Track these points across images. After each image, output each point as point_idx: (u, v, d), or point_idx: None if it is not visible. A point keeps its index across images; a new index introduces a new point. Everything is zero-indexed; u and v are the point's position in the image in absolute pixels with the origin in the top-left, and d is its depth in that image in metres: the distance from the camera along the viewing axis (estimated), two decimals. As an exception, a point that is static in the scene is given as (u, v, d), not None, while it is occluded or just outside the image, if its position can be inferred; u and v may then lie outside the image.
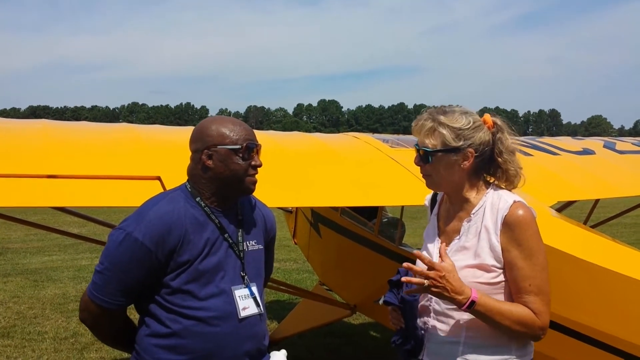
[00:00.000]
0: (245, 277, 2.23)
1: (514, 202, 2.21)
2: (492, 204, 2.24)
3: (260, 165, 2.24)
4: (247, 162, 2.20)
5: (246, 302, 2.21)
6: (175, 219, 2.11)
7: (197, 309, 2.12)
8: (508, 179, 2.30)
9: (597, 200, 6.01)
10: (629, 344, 2.81)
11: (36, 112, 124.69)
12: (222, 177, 2.19)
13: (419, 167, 2.36)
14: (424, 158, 2.26)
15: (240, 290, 2.20)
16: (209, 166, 2.18)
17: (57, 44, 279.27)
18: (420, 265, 2.36)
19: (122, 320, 2.24)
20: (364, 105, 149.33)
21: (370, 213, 5.26)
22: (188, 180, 2.26)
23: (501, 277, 2.20)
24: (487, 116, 2.31)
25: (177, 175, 2.88)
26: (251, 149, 2.21)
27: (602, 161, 5.26)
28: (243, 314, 2.19)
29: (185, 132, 4.24)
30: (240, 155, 2.18)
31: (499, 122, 2.31)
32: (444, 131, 2.21)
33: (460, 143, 2.22)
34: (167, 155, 3.45)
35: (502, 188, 2.30)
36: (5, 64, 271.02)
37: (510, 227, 2.18)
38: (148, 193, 2.78)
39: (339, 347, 6.62)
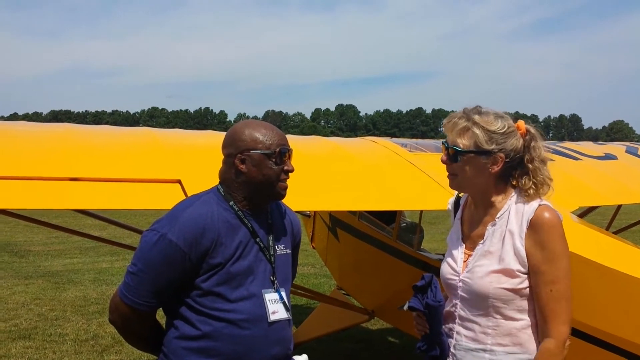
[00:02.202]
0: (275, 281, 2.24)
1: (540, 204, 2.19)
2: (517, 208, 2.21)
3: (292, 171, 2.25)
4: (280, 167, 2.21)
5: (276, 307, 2.21)
6: (209, 222, 2.12)
7: (227, 311, 2.12)
8: (535, 187, 2.24)
9: (619, 206, 5.93)
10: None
11: (58, 117, 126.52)
12: (255, 182, 2.20)
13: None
14: (453, 157, 2.23)
15: (270, 294, 2.21)
16: (242, 170, 2.19)
17: (79, 49, 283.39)
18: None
19: (152, 322, 2.24)
20: (381, 110, 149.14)
21: (388, 217, 5.24)
22: (220, 184, 2.27)
23: (526, 283, 2.17)
24: (521, 122, 2.28)
25: (197, 178, 2.91)
26: (283, 153, 2.22)
27: (624, 166, 5.20)
28: (272, 317, 2.19)
29: (204, 136, 4.32)
30: (273, 160, 2.19)
31: (532, 130, 2.28)
32: (478, 132, 2.19)
33: (492, 147, 2.19)
34: (187, 159, 3.48)
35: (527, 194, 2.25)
36: (28, 69, 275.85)
37: (536, 230, 2.15)
38: (168, 196, 2.82)
39: (357, 352, 6.59)
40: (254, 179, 2.19)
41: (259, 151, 2.18)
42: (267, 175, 2.19)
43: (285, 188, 2.25)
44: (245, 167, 2.19)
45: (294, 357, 2.38)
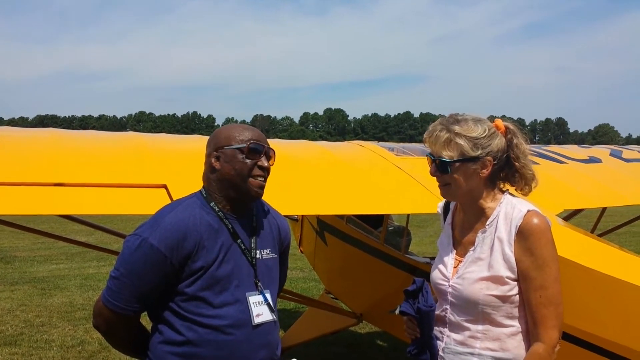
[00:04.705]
0: (259, 283, 2.24)
1: (528, 211, 2.19)
2: (505, 214, 2.22)
3: (266, 167, 2.24)
4: (252, 162, 2.21)
5: (260, 309, 2.22)
6: (191, 226, 2.13)
7: (211, 316, 2.13)
8: (526, 183, 2.28)
9: (604, 209, 5.98)
10: (636, 353, 2.79)
11: (44, 121, 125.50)
12: (227, 178, 2.21)
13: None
14: (442, 169, 2.22)
15: (254, 296, 2.22)
16: (216, 167, 2.22)
17: (65, 54, 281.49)
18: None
19: (136, 326, 2.25)
20: (370, 114, 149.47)
21: (376, 221, 5.25)
22: (203, 186, 2.29)
23: (516, 290, 2.18)
24: (498, 121, 2.29)
25: (183, 183, 2.90)
26: (256, 150, 2.22)
27: (608, 169, 5.25)
28: (257, 320, 2.19)
29: (191, 141, 4.31)
30: (244, 154, 2.20)
31: (511, 126, 2.29)
32: (461, 142, 2.19)
33: (479, 152, 2.19)
34: (173, 164, 3.47)
35: (515, 195, 2.28)
36: (13, 74, 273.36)
37: (524, 236, 2.16)
38: (154, 201, 2.81)
39: (345, 356, 6.59)
40: (227, 174, 2.20)
41: (231, 147, 2.20)
42: (238, 170, 2.19)
43: (260, 186, 2.24)
44: (219, 164, 2.21)
45: None
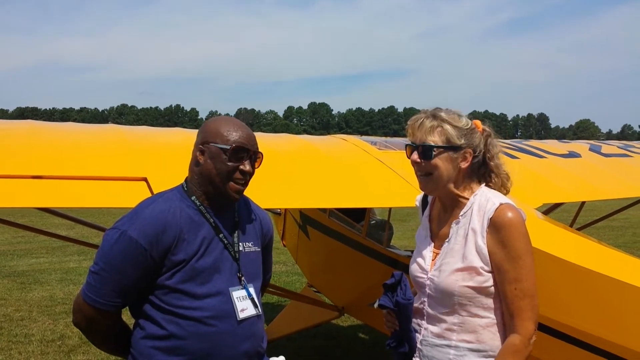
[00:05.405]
0: (242, 278, 2.23)
1: (501, 204, 2.21)
2: (479, 206, 2.25)
3: (249, 172, 2.21)
4: (234, 165, 2.18)
5: (244, 304, 2.20)
6: (170, 218, 2.11)
7: (193, 308, 2.11)
8: (503, 184, 2.34)
9: (583, 203, 6.06)
10: (613, 345, 2.83)
11: (24, 114, 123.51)
12: (207, 175, 2.19)
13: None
14: (425, 154, 2.24)
15: (237, 291, 2.20)
16: (199, 161, 2.20)
17: (46, 46, 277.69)
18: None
19: (117, 322, 2.21)
20: (354, 108, 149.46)
21: (358, 215, 5.27)
22: (185, 179, 2.27)
23: (491, 282, 2.20)
24: (476, 121, 2.35)
25: (163, 176, 2.89)
26: (240, 153, 2.19)
27: (587, 164, 5.31)
28: (242, 315, 2.18)
29: (171, 134, 4.28)
30: (228, 156, 2.17)
31: (487, 128, 2.36)
32: (448, 127, 2.24)
33: (462, 142, 2.25)
34: (154, 157, 3.44)
35: (492, 190, 2.32)
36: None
37: (497, 229, 2.18)
38: (134, 194, 2.79)
39: (327, 348, 6.62)
40: (208, 172, 2.18)
41: (217, 144, 2.17)
42: (219, 170, 2.17)
43: (238, 191, 2.21)
44: (203, 158, 2.19)
45: (272, 358, 2.37)
